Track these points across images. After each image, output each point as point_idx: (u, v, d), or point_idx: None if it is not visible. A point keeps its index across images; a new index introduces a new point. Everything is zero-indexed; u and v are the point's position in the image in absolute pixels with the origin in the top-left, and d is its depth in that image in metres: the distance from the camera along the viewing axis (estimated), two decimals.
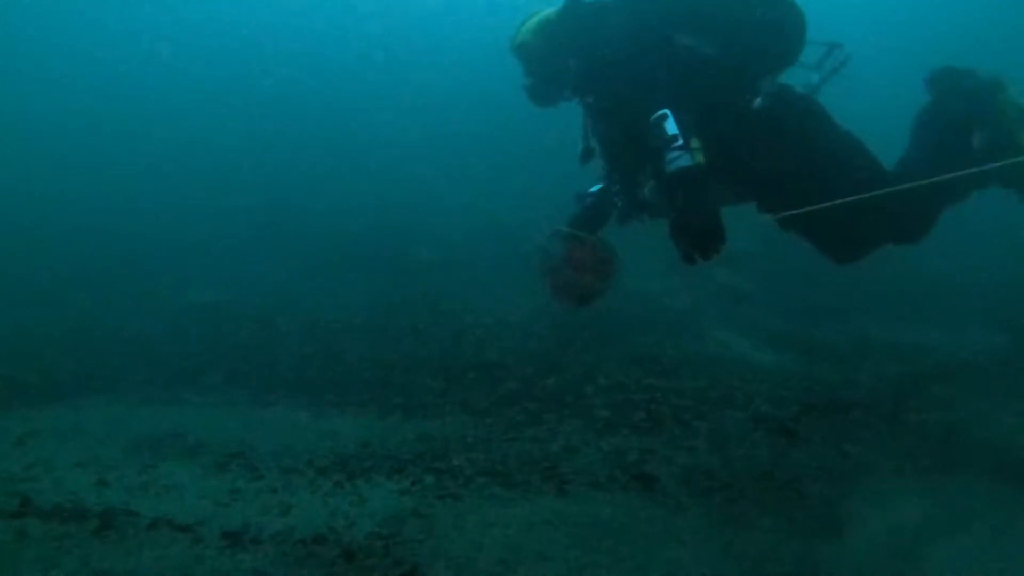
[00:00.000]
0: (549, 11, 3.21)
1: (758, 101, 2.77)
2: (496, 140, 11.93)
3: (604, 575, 2.73)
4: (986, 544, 2.85)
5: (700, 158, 2.52)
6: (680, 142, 2.52)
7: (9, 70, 15.18)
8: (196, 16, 18.10)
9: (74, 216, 9.32)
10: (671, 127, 2.54)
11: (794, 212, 2.70)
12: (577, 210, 3.60)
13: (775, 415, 4.20)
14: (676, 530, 3.01)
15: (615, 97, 2.88)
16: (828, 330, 5.88)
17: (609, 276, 3.35)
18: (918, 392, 4.54)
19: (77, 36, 17.31)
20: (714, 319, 6.28)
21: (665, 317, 6.23)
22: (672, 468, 3.55)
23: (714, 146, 2.64)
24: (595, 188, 3.62)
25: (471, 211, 10.07)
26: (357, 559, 2.84)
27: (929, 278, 6.84)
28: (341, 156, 11.75)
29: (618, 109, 2.91)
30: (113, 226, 9.14)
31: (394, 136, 12.02)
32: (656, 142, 2.59)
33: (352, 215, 9.56)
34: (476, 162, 11.66)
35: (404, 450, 3.83)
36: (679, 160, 2.52)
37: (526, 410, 4.34)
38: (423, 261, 8.13)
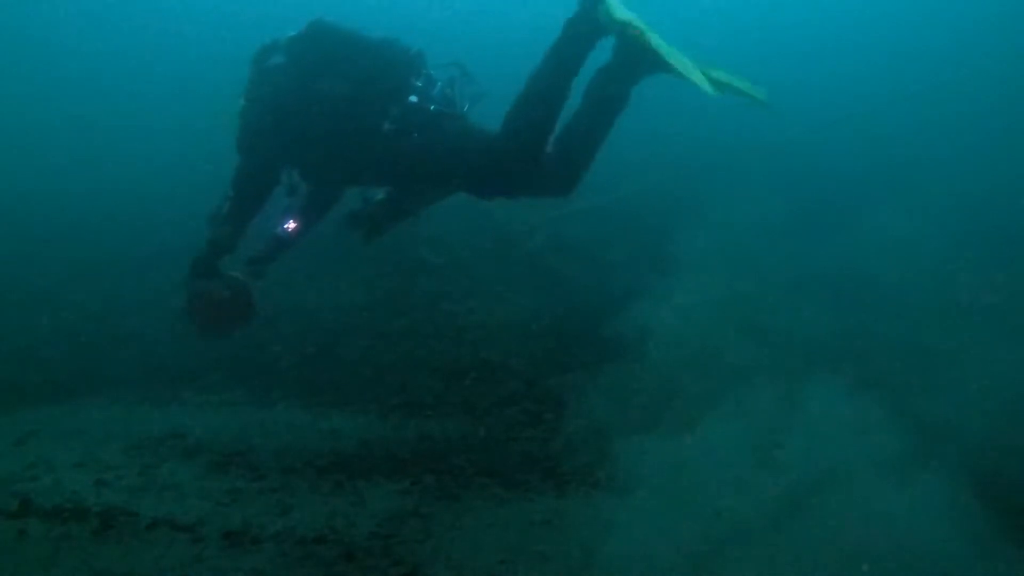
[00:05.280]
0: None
1: (387, 124, 3.47)
2: None
3: (603, 575, 2.73)
4: None
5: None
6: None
7: (8, 68, 15.19)
8: (198, 14, 18.11)
9: (74, 216, 9.31)
10: None
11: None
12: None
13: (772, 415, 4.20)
14: (675, 529, 3.01)
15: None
16: (826, 330, 5.87)
17: (237, 317, 3.88)
18: (922, 395, 4.54)
19: (76, 33, 17.32)
20: (715, 319, 6.28)
21: (665, 318, 6.23)
22: (672, 468, 3.55)
23: (359, 165, 3.51)
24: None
25: (471, 211, 10.05)
26: (357, 559, 2.84)
27: (932, 276, 6.85)
28: None
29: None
30: (113, 226, 9.14)
31: None
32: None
33: None
34: None
35: (404, 450, 3.83)
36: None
37: (526, 410, 4.34)
38: (423, 261, 8.12)
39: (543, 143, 3.47)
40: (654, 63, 3.34)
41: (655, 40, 3.27)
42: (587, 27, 3.40)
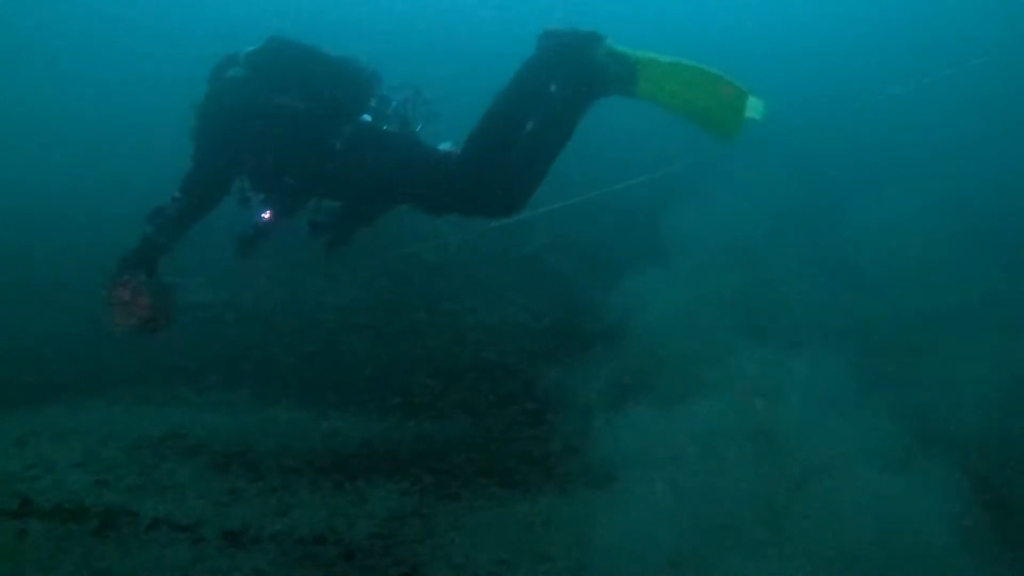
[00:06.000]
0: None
1: (339, 142, 3.55)
2: None
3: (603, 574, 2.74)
4: None
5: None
6: None
7: (8, 65, 15.18)
8: (199, 13, 18.12)
9: (74, 215, 9.32)
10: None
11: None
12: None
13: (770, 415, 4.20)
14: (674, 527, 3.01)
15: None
16: (825, 327, 5.87)
17: (154, 319, 3.84)
18: (918, 390, 4.54)
19: (76, 30, 17.32)
20: (716, 317, 6.28)
21: (666, 316, 6.23)
22: (673, 465, 3.55)
23: (310, 179, 3.59)
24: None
25: None
26: (357, 559, 2.84)
27: (929, 272, 6.85)
28: None
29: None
30: (113, 225, 9.13)
31: None
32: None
33: None
34: None
35: (404, 450, 3.83)
36: None
37: (526, 410, 4.34)
38: (422, 261, 8.12)
39: (500, 165, 3.57)
40: (631, 91, 3.55)
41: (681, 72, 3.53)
42: (569, 59, 3.51)
